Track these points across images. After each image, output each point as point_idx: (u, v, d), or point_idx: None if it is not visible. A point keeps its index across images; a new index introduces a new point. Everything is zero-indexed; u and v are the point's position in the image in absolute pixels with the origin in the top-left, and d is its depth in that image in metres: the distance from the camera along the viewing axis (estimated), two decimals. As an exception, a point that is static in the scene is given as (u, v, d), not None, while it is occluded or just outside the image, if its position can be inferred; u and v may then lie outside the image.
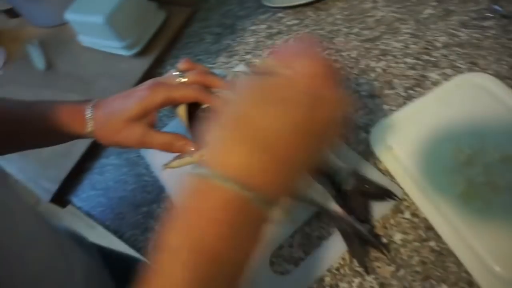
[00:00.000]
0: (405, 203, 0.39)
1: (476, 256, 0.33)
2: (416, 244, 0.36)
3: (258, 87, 0.24)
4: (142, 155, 0.54)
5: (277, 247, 0.40)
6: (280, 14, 0.64)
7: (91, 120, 0.40)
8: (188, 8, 0.72)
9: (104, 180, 0.55)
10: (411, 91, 0.47)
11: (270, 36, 0.62)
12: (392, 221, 0.38)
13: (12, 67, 0.82)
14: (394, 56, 0.51)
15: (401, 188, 0.40)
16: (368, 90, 0.49)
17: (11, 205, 0.33)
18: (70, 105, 0.42)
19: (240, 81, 0.27)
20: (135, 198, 0.51)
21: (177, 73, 0.40)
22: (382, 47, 0.52)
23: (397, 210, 0.39)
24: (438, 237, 0.36)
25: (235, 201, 0.21)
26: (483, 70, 0.45)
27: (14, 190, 0.36)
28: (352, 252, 0.37)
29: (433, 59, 0.48)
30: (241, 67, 0.58)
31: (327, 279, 0.37)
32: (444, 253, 0.35)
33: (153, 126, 0.39)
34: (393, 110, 0.46)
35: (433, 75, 0.47)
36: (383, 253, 0.36)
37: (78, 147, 0.57)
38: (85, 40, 0.74)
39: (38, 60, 0.77)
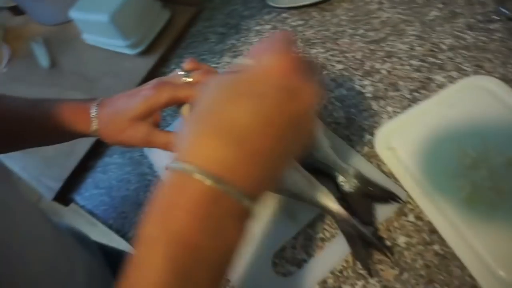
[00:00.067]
0: (409, 206, 0.39)
1: (480, 260, 0.33)
2: (420, 247, 0.36)
3: (231, 82, 0.24)
4: (146, 154, 0.54)
5: (279, 248, 0.40)
6: (284, 15, 0.64)
7: (96, 118, 0.40)
8: (193, 8, 0.72)
9: (107, 179, 0.55)
10: (416, 94, 0.46)
11: (274, 37, 0.61)
12: (396, 224, 0.38)
13: (17, 65, 0.83)
14: (400, 58, 0.50)
15: (405, 190, 0.40)
16: (372, 92, 0.49)
17: (14, 204, 0.33)
18: (74, 104, 0.42)
19: (214, 77, 0.27)
20: (138, 197, 0.51)
21: (182, 72, 0.40)
22: (387, 48, 0.52)
23: (401, 213, 0.39)
24: (442, 241, 0.36)
25: (210, 194, 0.21)
26: (489, 73, 0.45)
27: (17, 189, 0.36)
28: (356, 254, 0.37)
29: (438, 61, 0.48)
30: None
31: (330, 281, 0.37)
32: (448, 257, 0.35)
33: (157, 125, 0.40)
34: (398, 113, 0.46)
35: (439, 77, 0.47)
36: (386, 256, 0.36)
37: (82, 146, 0.57)
38: (90, 38, 0.74)
39: (42, 58, 0.78)
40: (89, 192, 0.55)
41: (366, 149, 0.44)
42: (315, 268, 0.38)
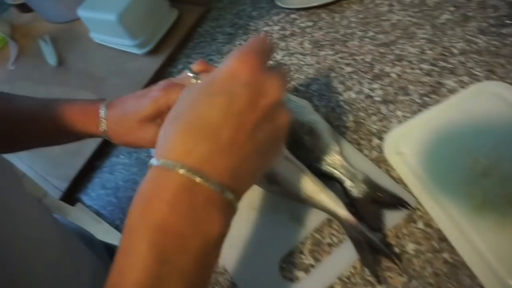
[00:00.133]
0: (418, 213, 0.38)
1: (491, 270, 0.33)
2: (429, 255, 0.36)
3: (202, 85, 0.27)
4: (152, 155, 0.54)
5: (287, 253, 0.40)
6: (293, 16, 0.64)
7: (105, 119, 0.40)
8: (201, 7, 0.71)
9: (114, 179, 0.55)
10: (426, 98, 0.46)
11: (283, 38, 0.61)
12: (404, 231, 0.38)
13: (24, 62, 0.83)
14: (410, 61, 0.50)
15: (414, 197, 0.39)
16: (382, 95, 0.48)
17: (19, 206, 0.33)
18: (83, 104, 0.42)
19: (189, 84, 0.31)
20: (145, 198, 0.51)
21: (191, 74, 0.40)
22: (397, 52, 0.51)
23: (410, 220, 0.38)
24: (452, 249, 0.35)
25: (187, 184, 0.23)
26: (501, 78, 0.44)
27: (23, 190, 0.36)
28: (364, 260, 0.37)
29: (449, 66, 0.47)
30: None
31: (338, 288, 0.37)
32: (458, 266, 0.35)
33: None
34: (408, 117, 0.45)
35: (450, 82, 0.46)
36: (395, 263, 0.35)
37: (89, 145, 0.57)
38: (97, 37, 0.74)
39: (50, 56, 0.78)
40: (95, 193, 0.55)
41: (374, 153, 0.44)
42: (323, 273, 0.38)
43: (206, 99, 0.25)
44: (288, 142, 0.42)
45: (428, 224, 0.38)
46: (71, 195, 0.56)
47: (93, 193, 0.55)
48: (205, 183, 0.23)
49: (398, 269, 0.36)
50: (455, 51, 0.48)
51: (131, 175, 0.54)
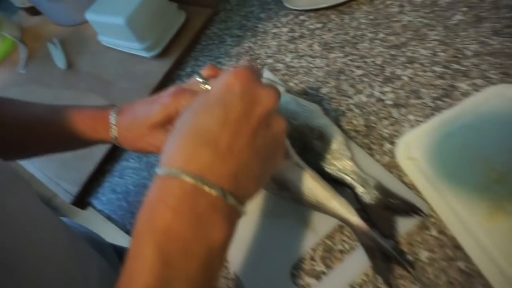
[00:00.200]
0: (432, 219, 0.38)
1: (508, 280, 0.32)
2: (444, 263, 0.35)
3: (202, 98, 0.29)
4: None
5: (298, 259, 0.40)
6: (302, 17, 0.63)
7: (115, 126, 0.40)
8: (209, 9, 0.71)
9: (124, 184, 0.55)
10: (439, 102, 0.45)
11: (292, 40, 0.61)
12: (418, 238, 0.37)
13: (34, 66, 0.83)
14: (422, 64, 0.49)
15: (427, 203, 0.39)
16: (393, 99, 0.47)
17: (28, 211, 0.33)
18: (94, 111, 0.42)
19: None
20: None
21: (201, 79, 0.39)
22: (408, 54, 0.51)
23: (423, 227, 0.38)
24: (467, 257, 0.35)
25: (190, 190, 0.24)
26: (517, 81, 0.43)
27: (33, 195, 0.36)
28: (376, 268, 0.36)
29: (463, 68, 0.46)
30: (263, 73, 0.57)
31: (350, 295, 0.37)
32: (473, 275, 0.34)
33: None
34: (420, 121, 0.44)
35: (463, 85, 0.45)
36: (408, 271, 0.35)
37: (99, 150, 0.58)
38: (106, 40, 0.74)
39: (59, 59, 0.78)
40: (106, 197, 0.55)
41: (386, 158, 0.43)
42: (334, 281, 0.38)
43: (204, 111, 0.27)
44: (298, 147, 0.42)
45: (442, 231, 0.37)
46: (82, 199, 0.56)
47: (104, 197, 0.55)
48: (207, 188, 0.24)
49: (411, 277, 0.35)
50: (468, 53, 0.48)
51: (141, 179, 0.54)
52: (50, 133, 0.42)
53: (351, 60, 0.54)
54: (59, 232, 0.38)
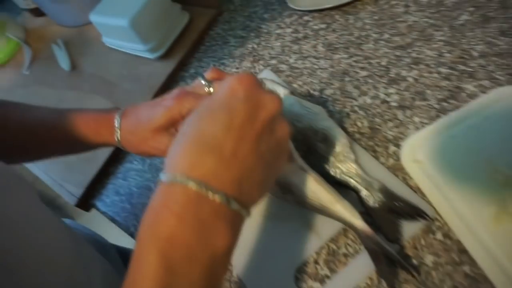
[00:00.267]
0: (437, 223, 0.38)
1: (514, 285, 0.32)
2: (449, 267, 0.35)
3: (205, 104, 0.29)
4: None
5: (302, 263, 0.39)
6: (306, 18, 0.63)
7: (119, 129, 0.40)
8: (212, 10, 0.71)
9: (127, 186, 0.55)
10: (444, 104, 0.45)
11: (296, 41, 0.60)
12: (423, 242, 0.37)
13: (38, 67, 0.84)
14: (427, 65, 0.48)
15: (432, 206, 0.38)
16: (398, 100, 0.47)
17: (32, 215, 0.33)
18: (97, 114, 0.42)
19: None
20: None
21: (204, 82, 0.39)
22: (414, 55, 0.50)
23: (429, 230, 0.37)
24: (472, 262, 0.34)
25: (194, 196, 0.24)
26: (524, 83, 0.42)
27: (36, 198, 0.36)
28: (380, 272, 0.36)
29: (469, 69, 0.46)
30: (266, 73, 0.57)
31: (354, 300, 0.36)
32: (479, 279, 0.34)
33: None
34: (425, 123, 0.44)
35: (469, 86, 0.45)
36: (413, 275, 0.35)
37: (103, 151, 0.58)
38: (109, 41, 0.74)
39: (63, 60, 0.78)
40: (110, 199, 0.55)
41: (391, 161, 0.43)
42: (338, 285, 0.37)
43: (208, 116, 0.27)
44: (302, 150, 0.42)
45: (447, 235, 0.37)
46: (86, 201, 0.57)
47: (108, 199, 0.56)
48: (211, 194, 0.24)
49: (416, 281, 0.35)
50: (475, 53, 0.47)
51: (145, 181, 0.54)
52: (53, 137, 0.42)
53: (355, 61, 0.53)
54: (62, 235, 0.38)
